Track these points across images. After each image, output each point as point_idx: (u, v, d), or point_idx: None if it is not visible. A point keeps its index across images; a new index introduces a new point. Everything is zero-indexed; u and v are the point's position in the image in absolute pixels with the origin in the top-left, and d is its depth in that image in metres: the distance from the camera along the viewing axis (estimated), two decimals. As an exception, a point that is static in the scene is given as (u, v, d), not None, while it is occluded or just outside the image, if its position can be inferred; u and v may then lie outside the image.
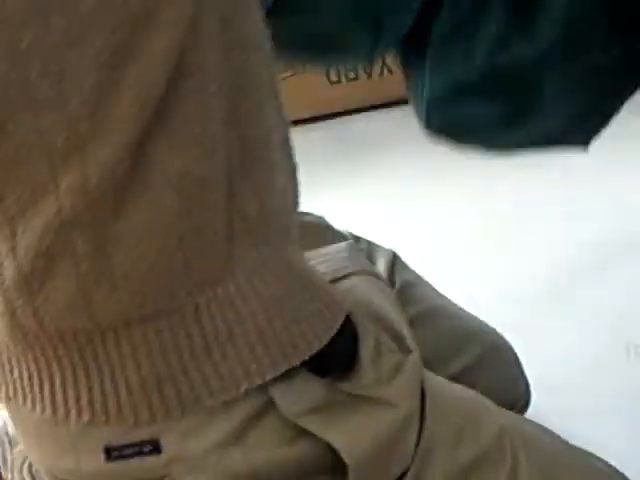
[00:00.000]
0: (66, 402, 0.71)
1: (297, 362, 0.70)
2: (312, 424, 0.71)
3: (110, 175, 0.63)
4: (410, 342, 0.80)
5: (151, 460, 0.70)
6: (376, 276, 0.91)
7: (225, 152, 0.68)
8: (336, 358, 0.74)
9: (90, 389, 0.70)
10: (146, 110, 0.63)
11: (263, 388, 0.70)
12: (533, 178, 1.59)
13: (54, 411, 0.71)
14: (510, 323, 1.05)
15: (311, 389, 0.72)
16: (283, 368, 0.69)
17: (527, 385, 1.01)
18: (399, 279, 0.99)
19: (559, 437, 0.83)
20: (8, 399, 0.75)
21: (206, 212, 0.68)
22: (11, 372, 0.74)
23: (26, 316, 0.68)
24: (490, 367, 0.98)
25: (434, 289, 1.02)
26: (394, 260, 1.01)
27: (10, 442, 0.96)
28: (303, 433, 0.71)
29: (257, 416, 0.71)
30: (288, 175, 0.75)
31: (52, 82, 0.61)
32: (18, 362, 0.73)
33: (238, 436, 0.71)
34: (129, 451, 0.71)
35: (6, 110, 0.63)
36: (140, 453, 0.71)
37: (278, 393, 0.71)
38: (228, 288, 0.70)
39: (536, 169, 1.53)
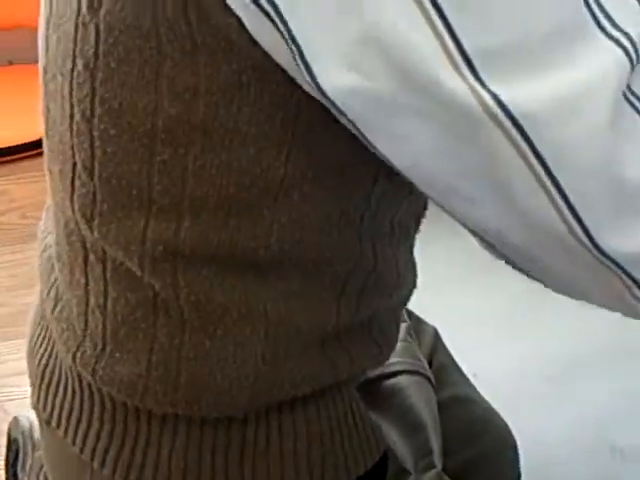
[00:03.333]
0: (95, 448, 0.72)
1: None
2: None
3: None
4: (436, 457, 0.83)
5: None
6: (424, 376, 0.93)
7: None
8: None
9: (121, 448, 0.71)
10: None
11: None
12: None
13: (81, 450, 0.73)
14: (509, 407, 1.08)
15: None
16: None
17: (519, 477, 1.04)
18: (436, 360, 1.01)
19: None
20: (47, 421, 0.77)
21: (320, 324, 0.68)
22: (55, 395, 0.75)
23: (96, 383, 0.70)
24: (493, 463, 1.01)
25: (463, 374, 1.05)
26: (435, 339, 1.03)
27: (33, 447, 1.00)
28: None
29: None
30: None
31: None
32: (65, 389, 0.74)
33: None
34: None
35: None
36: None
37: None
38: (292, 405, 0.70)
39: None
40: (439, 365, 1.01)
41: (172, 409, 0.68)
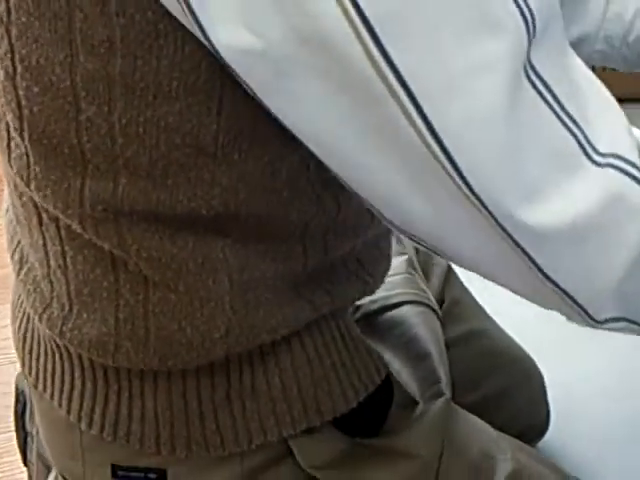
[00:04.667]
0: (80, 409, 0.71)
1: (318, 423, 0.70)
2: (328, 478, 0.71)
3: None
4: (444, 386, 0.80)
5: None
6: (428, 306, 0.91)
7: None
8: (365, 421, 0.73)
9: (105, 406, 0.70)
10: None
11: (280, 439, 0.70)
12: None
13: (68, 412, 0.72)
14: (539, 342, 1.06)
15: (332, 442, 0.72)
16: (303, 427, 0.69)
17: (548, 414, 1.03)
18: (449, 296, 0.99)
19: (568, 477, 0.85)
20: (34, 385, 0.76)
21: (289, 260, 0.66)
22: (37, 359, 0.74)
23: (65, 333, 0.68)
24: (518, 395, 0.99)
25: (480, 307, 1.03)
26: (448, 274, 1.01)
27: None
28: None
29: (270, 465, 0.71)
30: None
31: None
32: (46, 353, 0.73)
33: None
34: (135, 474, 0.72)
35: None
36: (145, 479, 0.71)
37: (297, 445, 0.71)
38: (273, 343, 0.68)
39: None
40: (452, 299, 0.99)
41: (146, 366, 0.67)
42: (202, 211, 0.61)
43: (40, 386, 0.74)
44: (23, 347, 0.76)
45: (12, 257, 0.74)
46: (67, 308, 0.67)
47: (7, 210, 0.76)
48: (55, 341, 0.71)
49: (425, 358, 0.83)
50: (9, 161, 0.65)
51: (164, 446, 0.69)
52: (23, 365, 0.76)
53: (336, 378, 0.71)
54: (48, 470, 0.87)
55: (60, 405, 0.72)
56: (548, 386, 1.03)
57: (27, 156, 0.62)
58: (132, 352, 0.66)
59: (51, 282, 0.68)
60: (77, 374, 0.71)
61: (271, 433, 0.69)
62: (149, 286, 0.64)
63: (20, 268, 0.72)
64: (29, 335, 0.75)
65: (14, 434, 0.99)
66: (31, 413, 0.93)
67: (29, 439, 0.94)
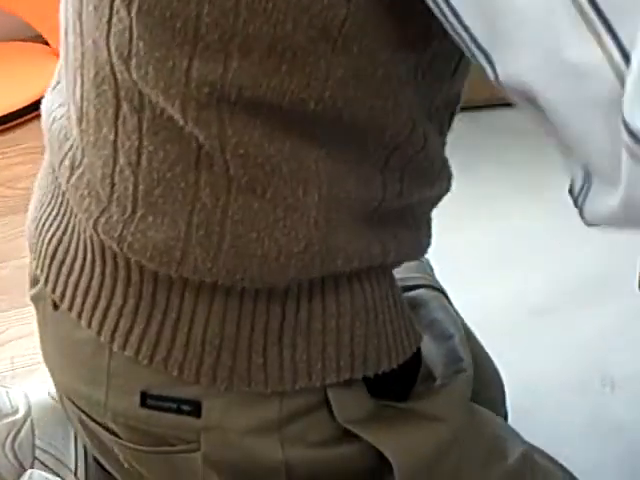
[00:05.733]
0: (115, 329, 0.68)
1: (360, 376, 0.70)
2: (364, 432, 0.71)
3: None
4: (466, 363, 0.82)
5: (187, 421, 0.69)
6: (441, 291, 0.93)
7: None
8: (395, 386, 0.75)
9: (146, 326, 0.67)
10: None
11: (323, 386, 0.69)
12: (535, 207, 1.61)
13: (99, 332, 0.68)
14: (496, 338, 1.08)
15: (366, 399, 0.73)
16: (346, 377, 0.69)
17: (506, 418, 1.03)
18: None
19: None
20: (57, 303, 0.72)
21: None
22: (69, 274, 0.71)
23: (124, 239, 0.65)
24: (480, 400, 1.01)
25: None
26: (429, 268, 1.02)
27: None
28: (347, 437, 0.71)
29: (306, 412, 0.71)
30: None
31: None
32: (82, 268, 0.70)
33: (281, 426, 0.70)
34: (167, 404, 0.69)
35: None
36: (178, 411, 0.69)
37: (335, 396, 0.70)
38: (336, 280, 0.68)
39: (538, 197, 1.59)
40: None
41: (211, 277, 0.64)
42: (310, 104, 0.60)
43: (66, 303, 0.71)
44: (51, 264, 0.73)
45: (60, 165, 0.71)
46: (129, 210, 0.65)
47: (52, 122, 0.73)
48: (102, 250, 0.68)
49: (448, 339, 0.85)
50: (107, 38, 0.62)
51: (205, 376, 0.67)
52: (46, 282, 0.73)
53: (385, 335, 0.71)
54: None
55: (90, 324, 0.69)
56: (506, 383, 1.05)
57: (130, 30, 0.60)
58: (200, 261, 0.64)
59: (113, 183, 0.65)
60: (119, 290, 0.68)
61: (316, 377, 0.68)
62: (232, 189, 0.63)
63: (70, 174, 0.69)
64: (62, 248, 0.72)
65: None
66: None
67: None
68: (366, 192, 0.66)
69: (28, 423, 0.92)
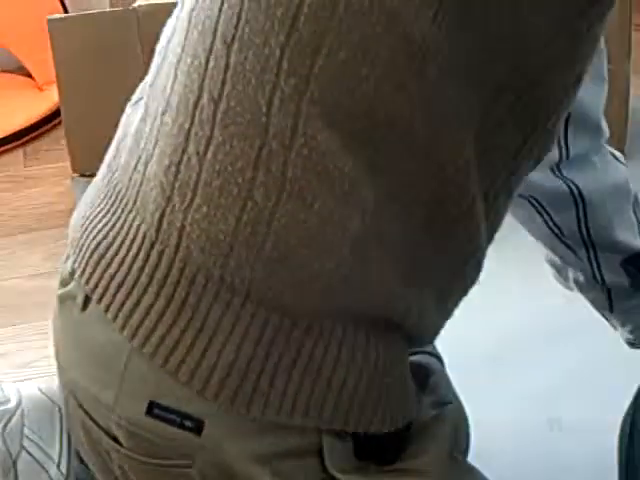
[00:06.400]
0: (139, 326, 0.69)
1: (353, 430, 0.72)
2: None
3: None
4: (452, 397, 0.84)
5: (187, 437, 0.70)
6: (436, 357, 0.94)
7: None
8: (380, 451, 0.76)
9: (169, 329, 0.68)
10: None
11: (318, 432, 0.72)
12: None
13: (122, 327, 0.69)
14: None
15: (352, 456, 0.74)
16: (338, 427, 0.71)
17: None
18: None
19: None
20: (88, 295, 0.73)
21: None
22: (107, 267, 0.72)
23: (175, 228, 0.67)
24: None
25: None
26: None
27: None
28: None
29: (301, 453, 0.72)
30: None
31: None
32: (122, 262, 0.71)
33: (275, 461, 0.71)
34: (172, 417, 0.70)
35: None
36: (181, 425, 0.70)
37: (328, 443, 0.72)
38: (356, 332, 0.71)
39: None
40: None
41: (250, 280, 0.66)
42: (381, 120, 0.64)
43: (97, 295, 0.72)
44: (91, 256, 0.74)
45: (132, 163, 0.73)
46: (188, 199, 0.67)
47: (129, 125, 0.76)
48: (150, 247, 0.70)
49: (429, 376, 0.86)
50: (216, 24, 0.66)
51: (210, 389, 0.68)
52: (82, 274, 0.74)
53: (387, 396, 0.73)
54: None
55: (115, 318, 0.70)
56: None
57: (239, 15, 0.64)
58: (243, 259, 0.66)
59: (178, 172, 0.68)
60: (152, 289, 0.69)
61: (311, 419, 0.70)
62: (284, 193, 0.65)
63: (144, 169, 0.71)
64: (106, 243, 0.73)
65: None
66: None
67: None
68: (411, 242, 0.70)
69: (19, 412, 0.93)
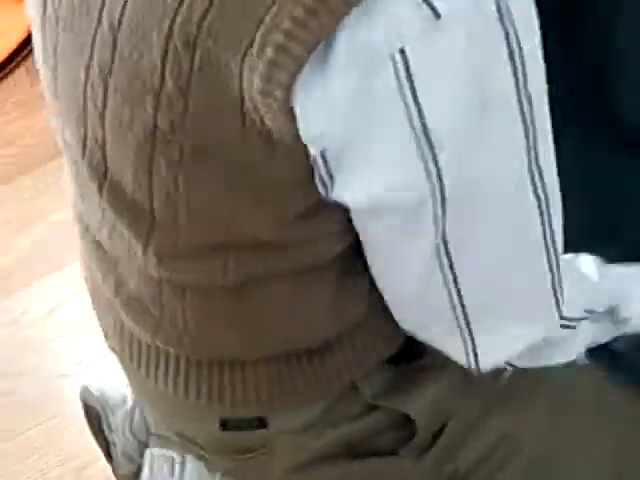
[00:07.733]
0: (186, 387, 0.82)
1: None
2: (387, 402, 0.84)
3: None
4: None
5: (259, 432, 0.85)
6: None
7: None
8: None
9: (210, 382, 0.82)
10: None
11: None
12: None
13: (175, 392, 0.82)
14: None
15: (385, 374, 0.84)
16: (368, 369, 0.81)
17: None
18: None
19: None
20: (132, 371, 0.86)
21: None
22: (139, 347, 0.84)
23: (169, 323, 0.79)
24: None
25: None
26: None
27: (112, 410, 1.11)
28: (375, 406, 0.85)
29: (342, 398, 0.83)
30: None
31: None
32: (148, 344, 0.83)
33: (326, 414, 0.84)
34: (243, 424, 0.86)
35: None
36: (250, 427, 0.85)
37: (360, 381, 0.83)
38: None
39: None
40: None
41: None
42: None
43: (143, 371, 0.85)
44: (130, 346, 0.86)
45: (105, 282, 0.85)
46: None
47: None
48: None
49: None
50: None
51: (263, 397, 0.82)
52: (131, 359, 0.87)
53: None
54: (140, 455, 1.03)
55: (165, 387, 0.84)
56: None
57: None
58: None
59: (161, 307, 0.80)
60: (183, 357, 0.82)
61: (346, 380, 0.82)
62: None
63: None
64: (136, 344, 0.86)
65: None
66: (109, 424, 1.07)
67: (112, 445, 1.09)
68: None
69: (138, 410, 1.09)
